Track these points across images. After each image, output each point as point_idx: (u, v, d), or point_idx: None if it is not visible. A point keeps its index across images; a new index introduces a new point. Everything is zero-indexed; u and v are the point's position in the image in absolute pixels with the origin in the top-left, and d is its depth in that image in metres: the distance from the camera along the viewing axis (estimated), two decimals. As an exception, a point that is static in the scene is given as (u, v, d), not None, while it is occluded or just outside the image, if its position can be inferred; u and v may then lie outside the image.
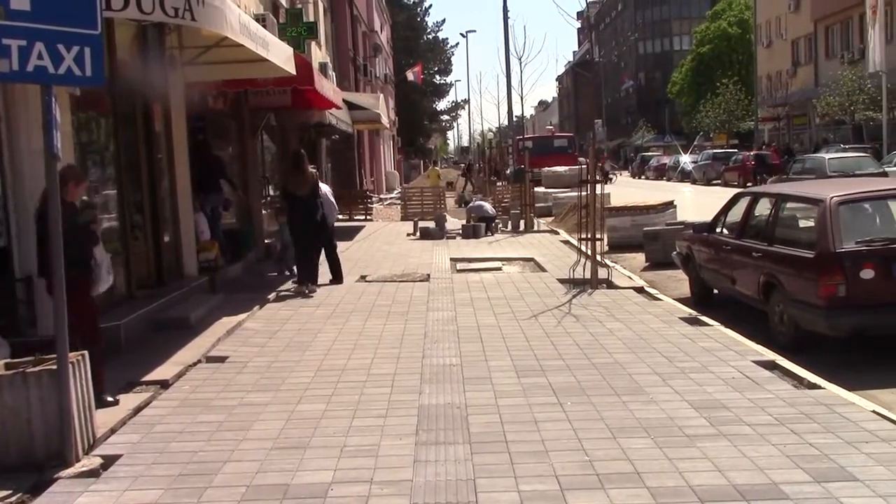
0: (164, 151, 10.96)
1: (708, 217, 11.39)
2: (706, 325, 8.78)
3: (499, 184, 28.51)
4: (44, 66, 4.97)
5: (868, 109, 35.51)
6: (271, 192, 17.53)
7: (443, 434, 5.45)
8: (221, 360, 7.76)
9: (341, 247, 16.91)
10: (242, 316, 9.63)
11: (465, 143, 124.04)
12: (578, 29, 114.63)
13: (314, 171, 11.87)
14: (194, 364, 7.57)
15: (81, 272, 6.10)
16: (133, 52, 10.13)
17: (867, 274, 7.53)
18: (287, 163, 12.40)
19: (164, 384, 6.88)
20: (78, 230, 5.93)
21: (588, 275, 11.34)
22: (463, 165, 42.88)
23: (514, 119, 45.79)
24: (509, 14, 63.02)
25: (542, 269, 13.36)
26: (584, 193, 11.82)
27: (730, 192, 12.59)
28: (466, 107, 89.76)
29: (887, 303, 7.54)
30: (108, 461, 5.16)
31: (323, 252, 12.09)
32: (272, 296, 11.12)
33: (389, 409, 6.06)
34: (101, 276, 6.43)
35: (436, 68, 68.46)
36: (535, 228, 20.30)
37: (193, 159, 11.62)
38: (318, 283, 11.71)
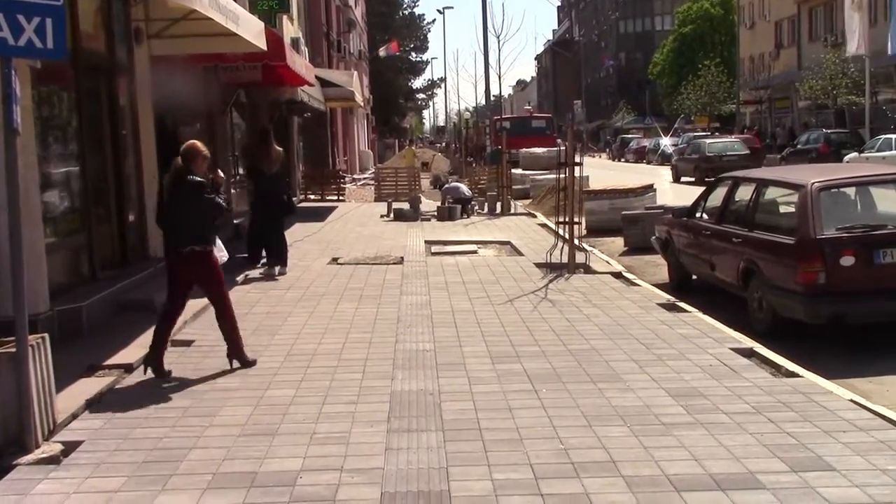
0: (129, 127, 10.83)
1: (688, 201, 11.45)
2: (684, 311, 8.84)
3: (475, 165, 28.52)
4: (3, 37, 4.88)
5: (851, 94, 35.82)
6: (241, 171, 17.42)
7: (415, 421, 5.46)
8: (187, 343, 7.71)
9: (313, 228, 16.88)
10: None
11: (441, 122, 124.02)
12: (558, 7, 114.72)
13: (280, 149, 11.78)
14: (159, 348, 7.50)
15: (210, 247, 6.78)
16: (97, 24, 9.98)
17: (847, 261, 7.61)
18: (254, 140, 12.31)
19: (128, 368, 6.82)
20: (211, 206, 6.69)
21: (565, 259, 11.37)
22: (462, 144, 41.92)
23: (492, 98, 45.73)
24: (488, -10, 62.61)
25: (519, 253, 13.38)
26: (562, 176, 11.84)
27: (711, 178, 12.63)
28: (443, 85, 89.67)
29: (867, 290, 7.63)
30: (69, 447, 5.12)
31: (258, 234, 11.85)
32: (240, 278, 11.05)
33: (361, 395, 6.05)
34: (222, 250, 7.24)
35: (412, 45, 68.19)
36: (512, 211, 20.32)
37: (160, 135, 11.49)
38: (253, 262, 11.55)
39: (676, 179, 32.17)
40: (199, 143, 6.84)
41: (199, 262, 6.68)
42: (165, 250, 6.92)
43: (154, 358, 6.65)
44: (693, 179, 29.55)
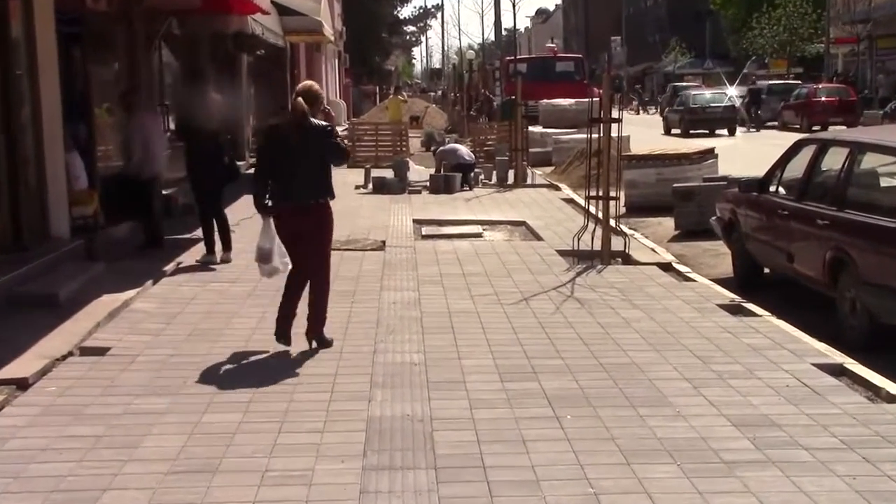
0: (24, 66, 10.79)
1: (759, 171, 11.45)
2: (753, 314, 8.86)
3: (481, 120, 28.50)
4: None
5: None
6: (172, 126, 17.37)
7: (399, 456, 5.46)
8: (101, 351, 7.71)
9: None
10: (131, 293, 9.55)
11: (436, 64, 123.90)
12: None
13: (220, 97, 11.74)
14: (64, 357, 7.51)
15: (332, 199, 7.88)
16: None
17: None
18: (186, 87, 12.27)
19: (22, 384, 6.81)
20: (339, 152, 7.89)
21: (598, 245, 11.38)
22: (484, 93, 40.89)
23: (504, 34, 45.60)
24: None
25: (537, 237, 13.39)
26: (594, 136, 11.84)
27: (790, 139, 12.66)
28: (439, 15, 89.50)
29: None
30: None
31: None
32: (171, 266, 11.05)
33: (328, 421, 6.05)
34: (286, 255, 8.03)
35: (399, -38, 68.17)
36: (529, 182, 20.33)
37: (66, 77, 11.46)
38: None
39: (667, 132, 38.88)
40: (316, 84, 8.01)
41: (320, 216, 7.75)
42: (278, 207, 7.73)
43: (317, 329, 7.82)
44: (679, 132, 38.48)
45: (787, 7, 56.91)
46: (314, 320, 7.83)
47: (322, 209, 7.74)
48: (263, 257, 8.01)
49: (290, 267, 8.02)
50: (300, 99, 7.57)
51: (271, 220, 7.83)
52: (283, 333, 7.76)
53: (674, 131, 39.68)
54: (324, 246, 7.89)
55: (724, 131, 38.47)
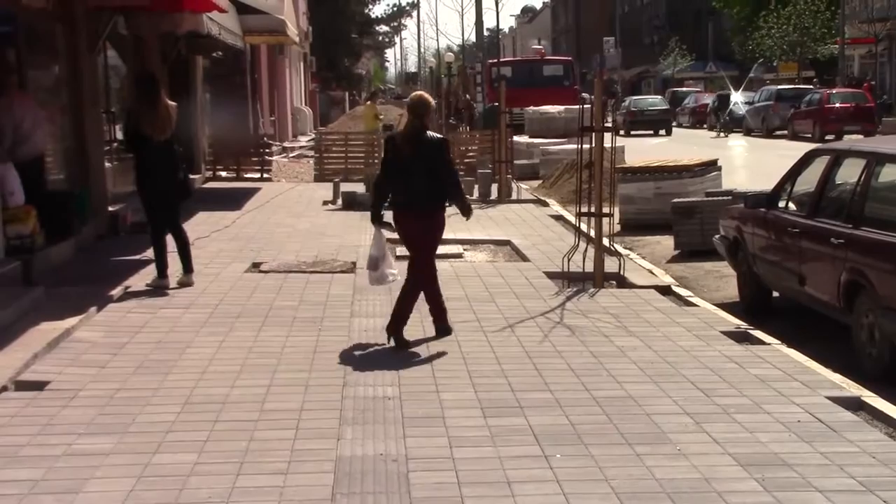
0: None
1: (767, 185, 11.51)
2: (761, 343, 8.90)
3: (460, 129, 28.56)
4: None
5: None
6: (119, 135, 17.33)
7: (371, 500, 5.45)
8: (39, 386, 7.67)
9: (224, 219, 16.86)
10: (72, 321, 9.51)
11: (412, 67, 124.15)
12: None
13: (174, 104, 11.72)
14: (-2, 392, 7.48)
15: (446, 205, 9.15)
16: None
17: None
18: (136, 91, 12.24)
19: (-49, 422, 6.78)
20: (450, 167, 9.13)
21: (590, 267, 11.41)
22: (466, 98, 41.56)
23: (486, 34, 45.75)
24: None
25: (523, 258, 13.41)
26: (586, 147, 11.88)
27: (800, 149, 12.75)
28: (415, 14, 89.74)
29: None
30: None
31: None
32: (118, 291, 11.02)
33: (293, 462, 6.05)
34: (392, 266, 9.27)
35: (370, -45, 68.41)
36: (514, 197, 20.38)
37: None
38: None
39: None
40: (426, 94, 9.19)
41: (432, 222, 8.99)
42: (399, 213, 8.99)
43: (397, 329, 8.81)
44: (623, 133, 44.34)
45: (798, 5, 57.18)
46: (395, 317, 8.89)
47: (434, 216, 8.99)
48: (373, 265, 9.18)
49: (397, 276, 9.24)
50: (414, 114, 8.91)
51: (383, 231, 9.08)
52: (443, 323, 9.15)
53: (622, 132, 45.91)
54: (429, 250, 9.12)
55: (662, 131, 49.63)
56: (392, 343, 8.82)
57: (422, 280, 9.07)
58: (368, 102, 36.29)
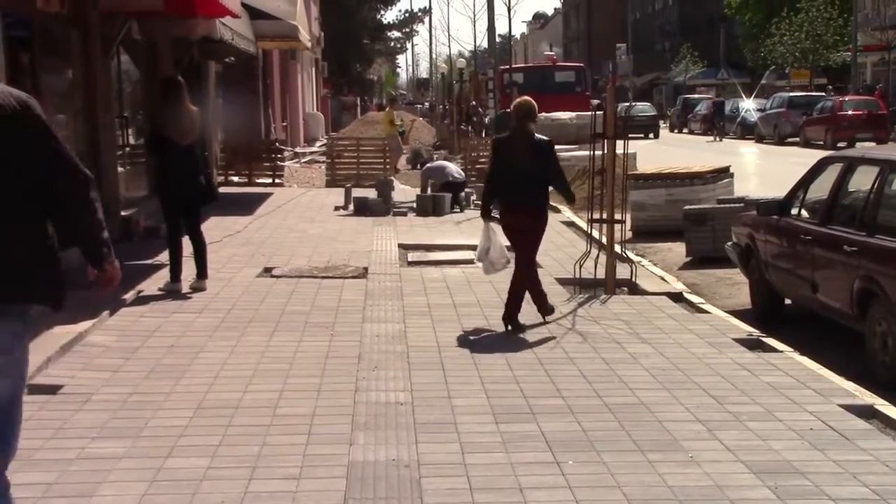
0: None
1: (780, 192, 11.50)
2: (773, 350, 8.89)
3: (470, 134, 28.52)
4: None
5: None
6: (132, 140, 17.38)
7: (383, 506, 5.45)
8: (52, 390, 7.69)
9: (236, 224, 16.89)
10: (86, 325, 9.53)
11: (423, 73, 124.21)
12: None
13: (196, 110, 11.72)
14: (11, 396, 7.49)
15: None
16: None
17: None
18: (160, 95, 12.22)
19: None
20: (557, 165, 9.89)
21: (602, 274, 11.41)
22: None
23: (498, 40, 45.76)
24: None
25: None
26: (598, 153, 11.87)
27: (813, 156, 12.73)
28: (427, 20, 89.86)
29: None
30: None
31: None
32: (131, 295, 11.04)
33: (305, 466, 6.05)
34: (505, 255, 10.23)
35: (382, -39, 68.51)
36: (526, 203, 20.34)
37: (13, 87, 11.43)
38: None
39: None
40: (531, 100, 9.84)
41: (536, 218, 9.78)
42: (504, 208, 9.96)
43: (511, 315, 9.61)
44: None
45: (810, 12, 57.14)
46: (510, 305, 9.69)
47: (539, 212, 9.77)
48: (482, 255, 10.15)
49: (507, 264, 10.10)
50: (521, 117, 9.68)
51: (492, 225, 9.99)
52: (542, 307, 9.89)
53: None
54: (533, 245, 9.91)
55: (651, 135, 52.35)
56: (509, 328, 9.58)
57: (524, 272, 9.81)
58: (388, 108, 36.34)
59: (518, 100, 10.01)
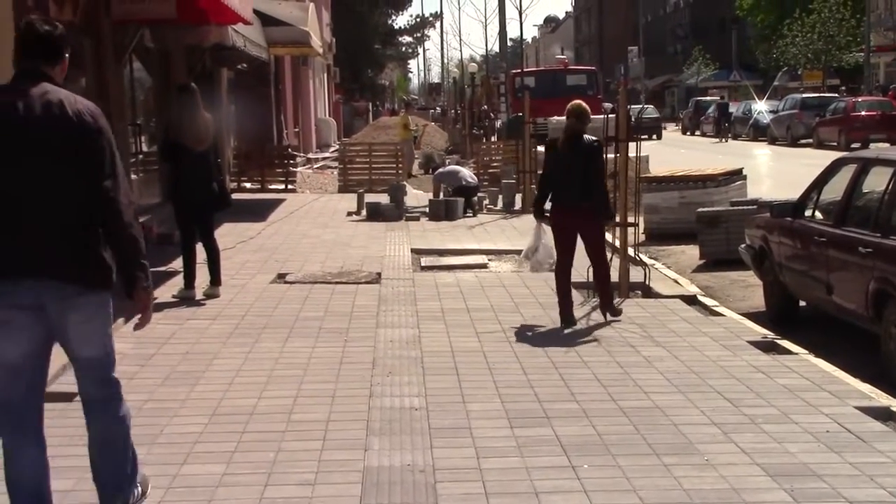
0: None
1: (793, 194, 11.48)
2: (788, 352, 8.88)
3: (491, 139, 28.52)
4: None
5: None
6: (145, 147, 17.43)
7: (399, 511, 5.46)
8: (68, 397, 7.69)
9: (250, 230, 16.92)
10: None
11: (435, 78, 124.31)
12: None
13: (210, 117, 11.74)
14: (27, 403, 7.51)
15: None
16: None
17: None
18: (175, 101, 12.23)
19: None
20: (601, 167, 10.16)
21: (615, 277, 11.39)
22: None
23: (510, 44, 45.78)
24: None
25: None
26: (610, 157, 11.87)
27: (826, 158, 12.71)
28: (439, 25, 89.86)
29: None
30: None
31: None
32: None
33: (320, 472, 6.06)
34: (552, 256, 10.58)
35: (393, -34, 68.59)
36: (539, 207, 20.33)
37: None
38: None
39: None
40: (584, 104, 10.16)
41: (587, 215, 9.95)
42: (554, 208, 10.16)
43: (606, 304, 10.17)
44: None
45: (822, 13, 57.03)
46: (602, 297, 10.21)
47: (588, 210, 9.90)
48: (530, 254, 10.65)
49: (553, 264, 10.33)
50: (572, 117, 10.01)
51: (541, 224, 10.42)
52: (566, 318, 9.98)
53: None
54: (598, 239, 10.30)
55: (654, 136, 51.87)
56: (607, 317, 10.09)
57: (600, 267, 10.22)
58: (403, 112, 36.40)
59: (571, 103, 10.29)
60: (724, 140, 49.00)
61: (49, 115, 4.79)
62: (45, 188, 4.80)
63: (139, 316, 5.25)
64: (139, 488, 5.44)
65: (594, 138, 10.12)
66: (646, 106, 59.04)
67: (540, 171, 11.54)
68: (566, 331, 9.80)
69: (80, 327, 5.10)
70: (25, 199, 4.78)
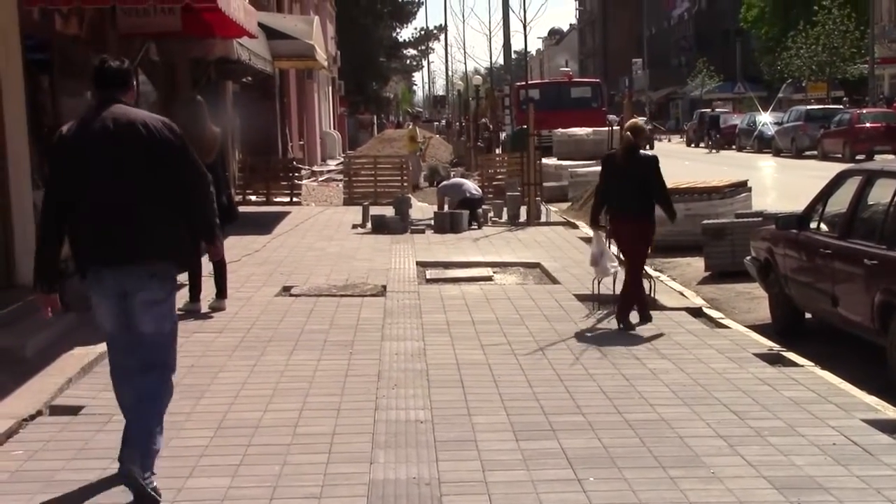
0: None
1: (798, 206, 11.47)
2: (794, 364, 8.86)
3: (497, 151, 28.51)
4: None
5: None
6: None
7: (405, 524, 5.46)
8: (74, 410, 7.71)
9: (255, 243, 16.93)
10: (105, 346, 9.55)
11: (439, 91, 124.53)
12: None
13: (217, 130, 11.75)
14: (32, 417, 7.52)
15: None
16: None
17: None
18: (181, 115, 12.24)
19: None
20: (662, 181, 10.61)
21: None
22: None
23: (514, 56, 45.87)
24: None
25: (553, 280, 13.40)
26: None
27: (831, 170, 12.70)
28: (443, 37, 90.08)
29: None
30: None
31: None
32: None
33: (325, 485, 6.05)
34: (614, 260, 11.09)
35: (398, -21, 68.72)
36: (543, 219, 20.36)
37: (33, 109, 11.51)
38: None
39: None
40: (641, 121, 11.33)
41: (641, 225, 10.47)
42: (611, 218, 10.80)
43: (624, 316, 10.38)
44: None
45: (827, 25, 57.03)
46: (621, 306, 10.45)
47: (643, 220, 10.45)
48: (595, 261, 10.96)
49: (618, 269, 10.86)
50: (629, 133, 10.61)
51: (601, 233, 10.91)
52: (622, 319, 10.39)
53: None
54: (640, 250, 10.64)
55: (647, 146, 51.91)
56: (621, 326, 10.30)
57: (633, 276, 10.51)
58: (410, 125, 36.45)
59: (630, 121, 11.22)
60: (715, 150, 50.32)
61: (133, 130, 5.88)
62: (134, 192, 5.89)
63: (212, 253, 6.82)
64: (154, 478, 5.79)
65: (651, 153, 10.91)
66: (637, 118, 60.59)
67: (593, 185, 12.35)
68: (630, 332, 10.26)
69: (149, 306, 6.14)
70: (122, 200, 5.88)
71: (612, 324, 10.59)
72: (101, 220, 5.92)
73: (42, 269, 6.31)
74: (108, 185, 5.87)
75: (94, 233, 5.96)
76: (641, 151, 10.61)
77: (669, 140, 62.50)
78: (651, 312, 10.78)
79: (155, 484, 5.74)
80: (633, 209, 10.44)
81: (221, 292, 11.59)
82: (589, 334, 10.16)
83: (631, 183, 10.36)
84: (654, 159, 10.61)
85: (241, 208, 23.15)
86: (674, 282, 13.64)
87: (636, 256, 10.67)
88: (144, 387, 6.10)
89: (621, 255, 11.08)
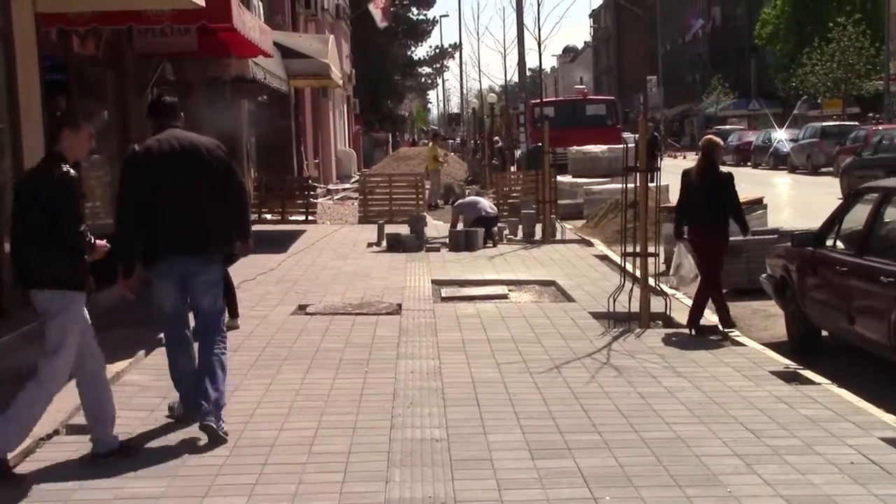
0: (4, 119, 10.91)
1: (814, 223, 11.45)
2: (811, 383, 8.83)
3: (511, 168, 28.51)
4: None
5: None
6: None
7: (420, 544, 5.45)
8: (85, 429, 7.72)
9: (270, 261, 16.95)
10: (122, 364, 9.59)
11: (454, 108, 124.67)
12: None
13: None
14: (49, 436, 7.54)
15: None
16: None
17: None
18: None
19: (3, 467, 6.82)
20: (735, 195, 11.44)
21: (636, 307, 11.37)
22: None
23: (529, 74, 45.89)
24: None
25: (569, 298, 13.39)
26: (630, 186, 11.87)
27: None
28: (458, 56, 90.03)
29: None
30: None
31: None
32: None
33: (341, 505, 6.04)
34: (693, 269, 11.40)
35: (413, -2, 68.90)
36: (559, 237, 20.36)
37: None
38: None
39: None
40: (717, 138, 11.82)
41: (713, 237, 11.08)
42: (689, 229, 11.27)
43: (695, 322, 11.08)
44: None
45: (842, 42, 56.94)
46: (693, 312, 11.14)
47: (715, 232, 11.06)
48: (675, 271, 11.49)
49: (697, 277, 11.28)
50: (704, 149, 11.29)
51: (681, 244, 11.34)
52: (724, 320, 11.06)
53: None
54: (713, 259, 11.11)
55: None
56: (694, 333, 10.94)
57: (709, 285, 11.05)
58: (430, 143, 36.47)
59: (706, 137, 11.78)
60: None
61: (194, 149, 7.55)
62: (200, 197, 7.50)
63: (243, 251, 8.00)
64: (223, 425, 7.41)
65: (727, 170, 11.47)
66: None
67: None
68: (733, 332, 10.89)
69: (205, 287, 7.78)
70: (189, 205, 7.47)
71: (628, 341, 10.58)
72: (175, 220, 7.44)
73: (125, 259, 7.77)
74: (180, 193, 7.44)
75: (169, 229, 7.46)
76: (720, 168, 11.22)
77: (685, 157, 62.29)
78: (667, 330, 10.76)
79: (225, 429, 7.36)
80: (708, 222, 11.01)
81: (233, 311, 11.61)
82: (604, 352, 10.14)
83: (707, 198, 10.98)
84: (730, 176, 11.15)
85: (256, 227, 23.18)
86: (689, 299, 13.59)
87: (714, 264, 11.12)
88: (211, 341, 7.74)
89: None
